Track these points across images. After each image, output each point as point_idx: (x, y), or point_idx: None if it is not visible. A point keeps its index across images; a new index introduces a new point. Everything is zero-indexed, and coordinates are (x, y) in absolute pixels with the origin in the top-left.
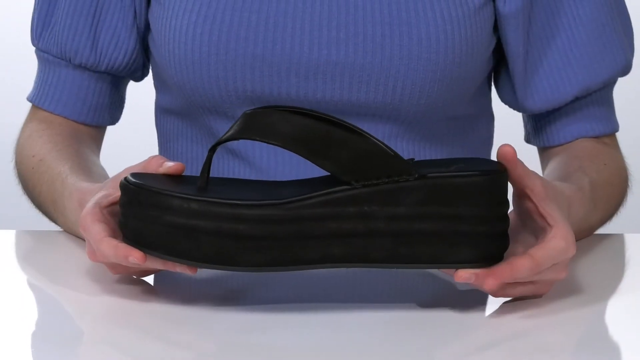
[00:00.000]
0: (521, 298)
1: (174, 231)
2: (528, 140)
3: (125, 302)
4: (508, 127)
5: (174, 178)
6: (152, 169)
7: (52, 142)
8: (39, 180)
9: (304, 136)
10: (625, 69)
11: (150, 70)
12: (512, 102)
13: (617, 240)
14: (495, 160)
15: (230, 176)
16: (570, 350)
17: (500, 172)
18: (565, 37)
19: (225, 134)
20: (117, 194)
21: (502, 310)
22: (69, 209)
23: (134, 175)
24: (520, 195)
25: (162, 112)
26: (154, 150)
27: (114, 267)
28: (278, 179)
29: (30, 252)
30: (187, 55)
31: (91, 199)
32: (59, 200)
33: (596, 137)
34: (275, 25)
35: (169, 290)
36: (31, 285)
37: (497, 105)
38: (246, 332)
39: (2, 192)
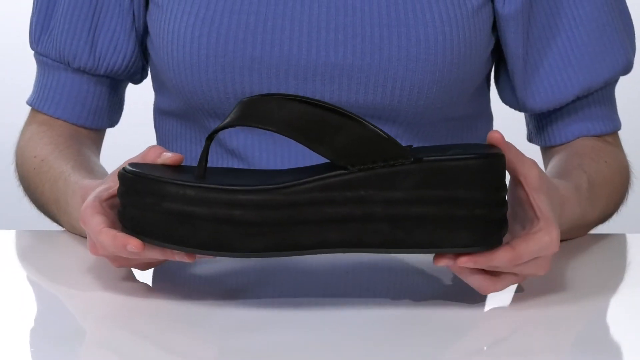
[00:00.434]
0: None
1: (171, 218)
2: (530, 139)
3: (125, 301)
4: (507, 127)
5: (173, 168)
6: (151, 159)
7: (54, 143)
8: (41, 180)
9: (300, 122)
10: (627, 68)
11: (149, 72)
12: (512, 102)
13: (619, 240)
14: (492, 145)
15: None
16: (570, 351)
17: (497, 155)
18: (566, 37)
19: (222, 122)
20: (117, 186)
21: (501, 309)
22: (72, 207)
23: (132, 164)
24: (514, 182)
25: (161, 113)
26: None
27: (115, 259)
28: None
29: (30, 252)
30: (186, 58)
31: (91, 193)
32: (62, 199)
33: (598, 136)
34: (274, 28)
35: (168, 288)
36: (31, 285)
37: (496, 105)
38: (246, 330)
39: (2, 192)
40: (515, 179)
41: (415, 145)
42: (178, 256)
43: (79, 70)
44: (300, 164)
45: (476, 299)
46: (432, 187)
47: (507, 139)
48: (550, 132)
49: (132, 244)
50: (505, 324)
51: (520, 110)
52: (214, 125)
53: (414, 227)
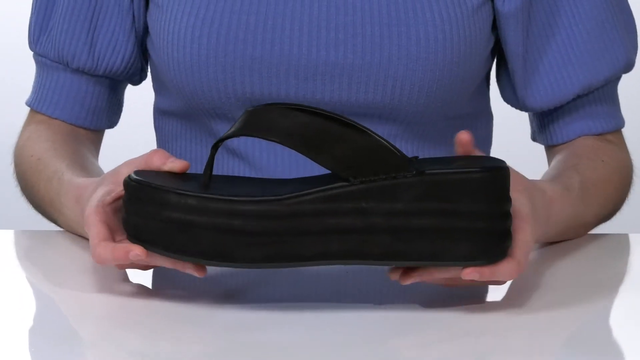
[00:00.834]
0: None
1: (172, 227)
2: (534, 138)
3: (124, 301)
4: (507, 125)
5: (177, 176)
6: (155, 165)
7: (50, 141)
8: (37, 179)
9: (302, 132)
10: (628, 66)
11: (149, 73)
12: (513, 101)
13: (621, 240)
14: (497, 158)
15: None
16: (571, 352)
17: (500, 168)
18: (565, 35)
19: (227, 132)
20: (120, 189)
21: (502, 309)
22: (66, 207)
23: (137, 172)
24: None
25: (161, 114)
26: None
27: (120, 265)
28: (278, 177)
29: (29, 252)
30: (186, 58)
31: (93, 195)
32: (56, 199)
33: (600, 134)
34: (274, 27)
35: (167, 289)
36: (30, 285)
37: (497, 104)
38: (246, 330)
39: (1, 192)
40: None
41: (414, 144)
42: (189, 269)
43: (78, 71)
44: (301, 166)
45: (474, 299)
46: (433, 200)
47: (505, 139)
48: (552, 131)
49: (136, 252)
50: (504, 325)
51: (521, 109)
52: (214, 125)
53: (416, 239)
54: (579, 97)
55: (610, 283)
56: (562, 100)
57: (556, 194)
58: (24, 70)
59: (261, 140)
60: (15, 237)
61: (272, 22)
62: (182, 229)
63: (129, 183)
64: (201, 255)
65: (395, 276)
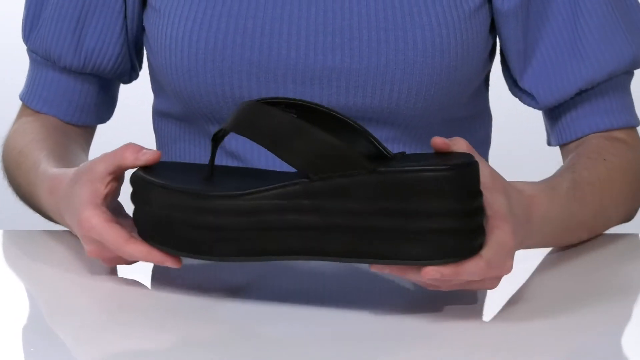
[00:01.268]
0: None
1: (155, 220)
2: (549, 142)
3: (118, 299)
4: (507, 126)
5: (183, 168)
6: (129, 161)
7: (33, 133)
8: (19, 173)
9: (272, 128)
10: (635, 62)
11: (149, 74)
12: (521, 98)
13: (633, 240)
14: (468, 154)
15: None
16: (581, 353)
17: (462, 165)
18: (565, 30)
19: (222, 126)
20: (102, 187)
21: (510, 311)
22: (42, 198)
23: (143, 168)
24: None
25: (160, 115)
26: None
27: (110, 260)
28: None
29: (16, 252)
30: (184, 63)
31: (77, 197)
32: (34, 190)
33: (608, 130)
34: (271, 31)
35: (167, 285)
36: (20, 285)
37: (496, 105)
38: (247, 323)
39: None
40: None
41: (412, 147)
42: (169, 262)
43: (65, 69)
44: None
45: (476, 301)
46: (388, 199)
47: (505, 139)
48: (561, 129)
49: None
50: (514, 329)
51: (528, 105)
52: (212, 128)
53: (374, 238)
54: (584, 92)
55: (624, 287)
56: (565, 95)
57: (538, 193)
58: (24, 71)
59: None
60: (3, 238)
61: (270, 26)
62: (164, 222)
63: (132, 177)
64: (181, 248)
65: (431, 274)
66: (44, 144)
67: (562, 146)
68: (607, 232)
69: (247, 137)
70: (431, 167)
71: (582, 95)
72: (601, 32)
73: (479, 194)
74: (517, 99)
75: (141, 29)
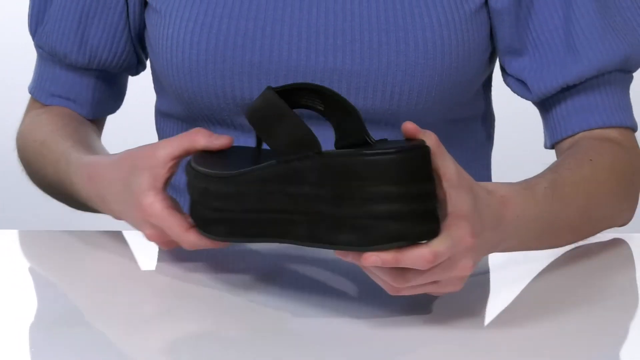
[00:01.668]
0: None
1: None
2: (545, 144)
3: (133, 300)
4: (509, 127)
5: (234, 150)
6: (200, 145)
7: (52, 124)
8: (44, 163)
9: (259, 113)
10: (626, 62)
11: (151, 74)
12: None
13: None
14: (418, 140)
15: None
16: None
17: (401, 150)
18: (555, 26)
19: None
20: (164, 172)
21: (508, 313)
22: (78, 184)
23: (197, 159)
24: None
25: (162, 115)
26: None
27: (168, 244)
28: None
29: (33, 252)
30: (185, 64)
31: (135, 183)
32: (66, 180)
33: (601, 129)
34: (272, 33)
35: (176, 288)
36: (35, 284)
37: (499, 105)
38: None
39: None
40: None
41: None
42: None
43: (72, 66)
44: None
45: (481, 301)
46: (332, 182)
47: (507, 139)
48: (553, 128)
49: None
50: (514, 330)
51: (523, 96)
52: (213, 130)
53: (324, 223)
54: (574, 87)
55: (623, 290)
56: (551, 86)
57: (512, 194)
58: (24, 71)
59: None
60: (20, 237)
61: (271, 28)
62: (190, 202)
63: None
64: (199, 226)
65: (371, 260)
66: (65, 134)
67: (556, 146)
68: (614, 234)
69: (247, 121)
70: (373, 151)
71: (572, 91)
72: (591, 29)
73: (427, 179)
74: (519, 100)
75: (144, 26)
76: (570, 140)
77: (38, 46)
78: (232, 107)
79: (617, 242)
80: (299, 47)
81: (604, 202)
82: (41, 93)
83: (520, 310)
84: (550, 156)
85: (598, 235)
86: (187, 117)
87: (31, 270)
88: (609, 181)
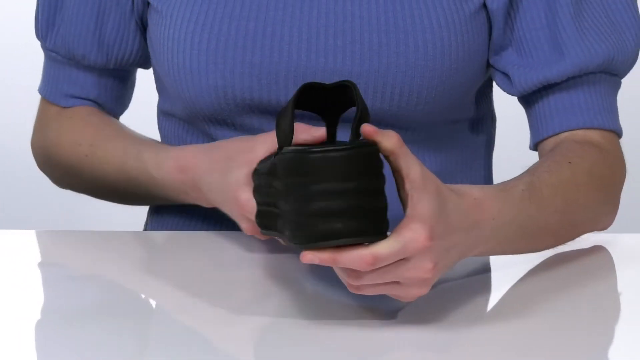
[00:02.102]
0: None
1: None
2: (530, 146)
3: (146, 298)
4: (511, 128)
5: None
6: (300, 140)
7: (92, 125)
8: (100, 163)
9: (285, 109)
10: (609, 62)
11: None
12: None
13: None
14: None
15: None
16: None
17: (344, 149)
18: (541, 22)
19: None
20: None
21: (503, 314)
22: (164, 178)
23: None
24: (396, 179)
25: (164, 114)
26: None
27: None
28: None
29: (50, 252)
30: (185, 64)
31: (231, 177)
32: (140, 176)
33: (582, 130)
34: (273, 34)
35: (182, 298)
36: (52, 284)
37: (500, 106)
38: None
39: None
40: (396, 175)
41: (415, 149)
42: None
43: (89, 67)
44: None
45: (476, 303)
46: (283, 178)
47: (509, 140)
48: (535, 128)
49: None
50: (514, 331)
51: (507, 90)
52: (214, 130)
53: (280, 219)
54: (556, 85)
55: (620, 290)
56: (531, 82)
57: (487, 196)
58: (24, 71)
59: None
60: (37, 237)
61: (272, 28)
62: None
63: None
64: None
65: (309, 258)
66: (110, 133)
67: (539, 147)
68: (608, 232)
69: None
70: (318, 149)
71: (554, 90)
72: (573, 28)
73: (368, 178)
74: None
75: (146, 22)
76: (553, 140)
77: (51, 50)
78: (233, 107)
79: (599, 249)
80: (300, 48)
81: (583, 205)
82: (57, 95)
83: (510, 311)
84: None
85: (581, 238)
86: (188, 116)
87: (49, 269)
88: (588, 184)
